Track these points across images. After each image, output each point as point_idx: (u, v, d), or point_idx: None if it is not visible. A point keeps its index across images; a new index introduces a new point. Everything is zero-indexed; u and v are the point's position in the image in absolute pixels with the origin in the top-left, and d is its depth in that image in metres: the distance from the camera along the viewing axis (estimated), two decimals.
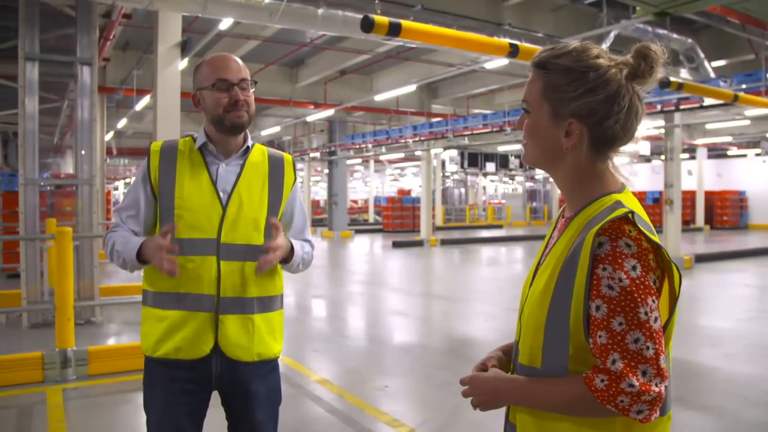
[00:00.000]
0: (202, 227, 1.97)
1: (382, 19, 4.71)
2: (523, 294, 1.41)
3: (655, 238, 1.19)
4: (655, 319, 1.16)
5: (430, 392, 4.99)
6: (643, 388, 1.12)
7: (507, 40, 6.20)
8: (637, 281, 1.15)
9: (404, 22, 4.83)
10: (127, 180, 53.25)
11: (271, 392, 2.10)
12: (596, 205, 1.27)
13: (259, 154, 2.12)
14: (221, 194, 2.00)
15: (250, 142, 2.11)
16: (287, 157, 2.19)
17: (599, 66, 1.24)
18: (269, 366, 2.10)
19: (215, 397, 2.09)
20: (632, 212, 1.19)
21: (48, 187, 11.31)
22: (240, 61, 2.05)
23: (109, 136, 21.12)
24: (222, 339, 1.96)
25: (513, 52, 5.62)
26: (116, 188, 54.06)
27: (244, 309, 2.00)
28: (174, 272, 1.83)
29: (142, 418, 4.30)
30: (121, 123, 20.08)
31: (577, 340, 1.21)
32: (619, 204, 1.23)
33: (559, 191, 25.30)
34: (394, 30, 4.74)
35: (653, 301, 1.16)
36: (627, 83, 1.25)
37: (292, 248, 2.05)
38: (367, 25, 4.64)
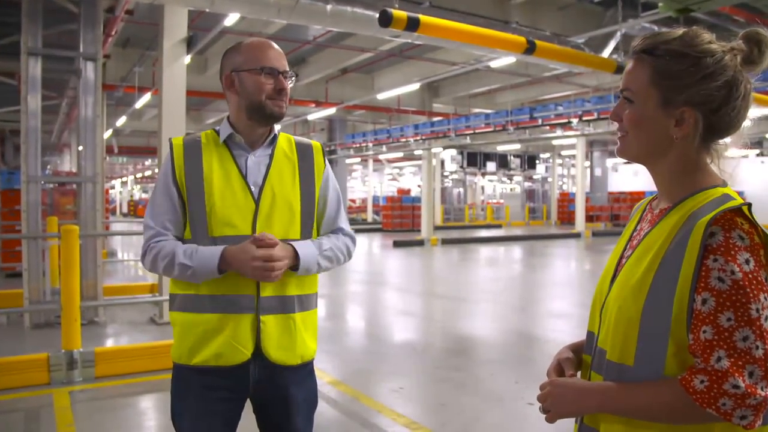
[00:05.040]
0: (235, 224, 1.84)
1: (400, 14, 4.60)
2: (602, 289, 1.32)
3: None
4: (766, 318, 1.08)
5: (447, 394, 4.89)
6: (749, 391, 1.04)
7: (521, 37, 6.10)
8: (750, 275, 1.07)
9: (422, 17, 4.73)
10: (124, 179, 53.06)
11: (309, 397, 1.99)
12: (700, 197, 1.19)
13: (285, 142, 1.99)
14: (252, 188, 1.87)
15: (276, 131, 1.98)
16: (316, 144, 2.05)
17: (715, 51, 1.18)
18: (307, 369, 1.98)
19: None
20: (748, 204, 1.12)
21: (48, 185, 11.20)
22: (281, 51, 1.94)
23: (107, 134, 21.00)
24: (265, 341, 1.83)
25: (530, 48, 5.53)
26: (113, 187, 53.86)
27: (285, 308, 1.87)
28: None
29: (153, 420, 4.25)
30: (121, 121, 19.97)
31: (678, 337, 1.12)
32: (727, 197, 1.17)
33: (557, 192, 25.22)
34: (413, 24, 4.63)
35: (765, 298, 1.08)
36: (741, 69, 1.19)
37: (296, 254, 1.85)
38: (386, 20, 4.53)
